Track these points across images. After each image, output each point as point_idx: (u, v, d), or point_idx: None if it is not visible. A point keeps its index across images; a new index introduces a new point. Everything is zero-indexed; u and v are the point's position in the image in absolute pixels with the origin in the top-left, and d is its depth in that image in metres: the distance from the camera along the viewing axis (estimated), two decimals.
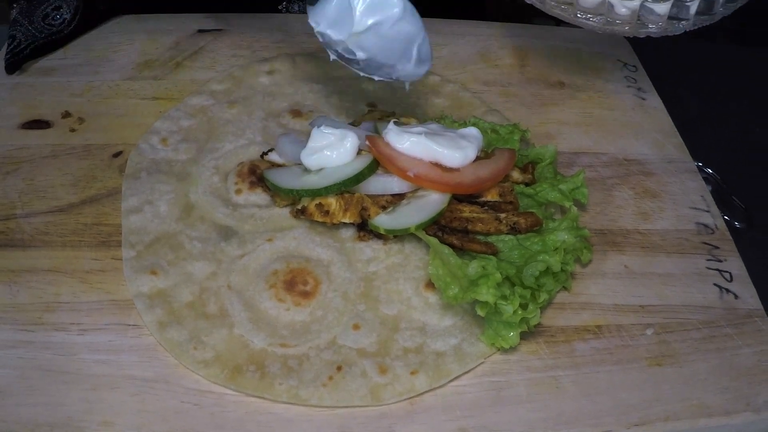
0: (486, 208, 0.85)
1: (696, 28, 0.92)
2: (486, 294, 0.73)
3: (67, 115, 0.99)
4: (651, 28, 0.91)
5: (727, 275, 0.87)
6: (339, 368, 0.74)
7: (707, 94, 1.24)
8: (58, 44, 1.10)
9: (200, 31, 1.14)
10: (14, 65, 1.06)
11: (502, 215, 0.84)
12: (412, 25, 0.82)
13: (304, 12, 1.29)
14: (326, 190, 0.84)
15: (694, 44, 1.36)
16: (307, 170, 0.86)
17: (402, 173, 0.83)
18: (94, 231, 0.85)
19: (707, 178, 1.02)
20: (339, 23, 0.82)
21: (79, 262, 0.82)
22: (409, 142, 0.83)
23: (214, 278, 0.81)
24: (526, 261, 0.80)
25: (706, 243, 0.91)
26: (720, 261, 0.89)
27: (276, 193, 0.88)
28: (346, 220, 0.84)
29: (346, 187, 0.84)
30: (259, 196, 0.89)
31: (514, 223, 0.83)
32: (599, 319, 0.81)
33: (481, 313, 0.75)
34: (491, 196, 0.86)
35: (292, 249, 0.85)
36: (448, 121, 0.98)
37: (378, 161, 0.85)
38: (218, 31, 1.15)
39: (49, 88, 1.03)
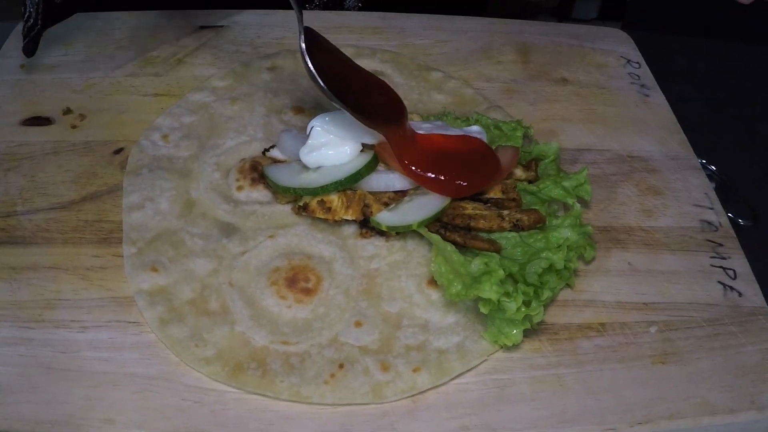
0: (489, 205, 0.85)
1: None
2: (489, 291, 0.73)
3: (68, 111, 0.99)
4: None
5: (731, 273, 0.87)
6: (341, 366, 0.74)
7: (711, 91, 1.24)
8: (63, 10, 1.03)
9: (202, 27, 1.14)
10: (30, 45, 1.00)
11: (505, 212, 0.83)
12: None
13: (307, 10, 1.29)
14: (323, 189, 0.83)
15: (698, 41, 1.35)
16: (306, 167, 0.86)
17: (405, 169, 0.83)
18: (95, 228, 0.85)
19: (711, 176, 1.02)
20: None
21: (80, 259, 0.81)
22: None
23: (215, 275, 0.81)
24: (529, 258, 0.80)
25: (709, 240, 0.90)
26: (724, 258, 0.88)
27: (275, 190, 0.88)
28: (348, 217, 0.84)
29: (343, 186, 0.83)
30: (261, 193, 0.89)
31: (517, 221, 0.83)
32: (603, 316, 0.81)
33: (483, 310, 0.74)
34: (494, 194, 0.85)
35: (294, 246, 0.84)
36: (451, 118, 0.97)
37: (379, 158, 0.85)
38: (219, 28, 1.14)
39: (50, 84, 1.02)
